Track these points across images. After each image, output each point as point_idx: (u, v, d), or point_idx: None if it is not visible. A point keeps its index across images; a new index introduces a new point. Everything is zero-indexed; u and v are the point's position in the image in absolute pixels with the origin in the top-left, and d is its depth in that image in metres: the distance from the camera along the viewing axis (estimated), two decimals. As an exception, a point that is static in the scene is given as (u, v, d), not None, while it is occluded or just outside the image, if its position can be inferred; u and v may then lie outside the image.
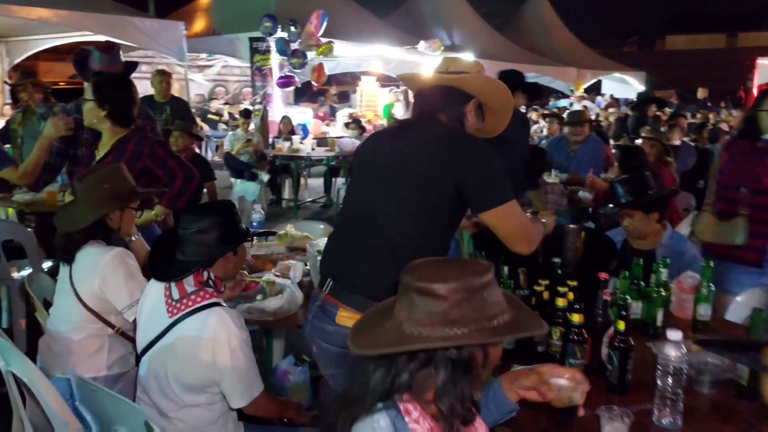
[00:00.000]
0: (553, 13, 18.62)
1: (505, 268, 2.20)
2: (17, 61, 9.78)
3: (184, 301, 1.91)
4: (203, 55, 13.73)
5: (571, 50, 17.83)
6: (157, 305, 1.95)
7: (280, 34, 9.35)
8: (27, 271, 3.78)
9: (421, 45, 11.72)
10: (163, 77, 6.06)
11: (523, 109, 5.97)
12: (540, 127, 11.57)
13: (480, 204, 1.82)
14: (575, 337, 1.85)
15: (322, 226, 3.77)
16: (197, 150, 6.27)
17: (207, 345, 1.84)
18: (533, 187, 4.46)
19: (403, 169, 1.81)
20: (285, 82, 9.92)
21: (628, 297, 2.11)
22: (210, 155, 12.07)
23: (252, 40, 9.63)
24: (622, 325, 1.78)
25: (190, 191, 2.95)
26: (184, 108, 6.37)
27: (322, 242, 3.11)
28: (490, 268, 1.19)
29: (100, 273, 2.14)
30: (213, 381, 1.87)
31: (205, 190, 5.67)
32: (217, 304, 1.91)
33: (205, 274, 1.97)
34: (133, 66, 3.72)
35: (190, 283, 1.94)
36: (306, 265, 2.86)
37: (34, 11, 6.94)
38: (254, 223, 3.53)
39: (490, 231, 1.89)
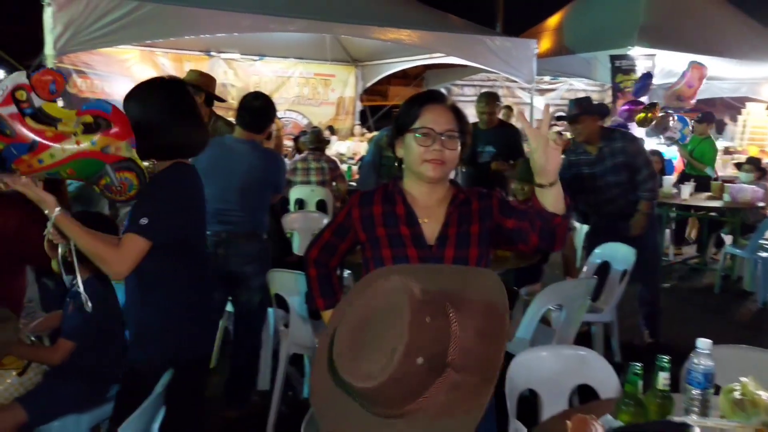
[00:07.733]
0: None
1: None
2: (369, 84, 10.23)
3: None
4: (546, 78, 12.67)
5: None
6: None
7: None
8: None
9: None
10: (488, 102, 5.02)
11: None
12: None
13: None
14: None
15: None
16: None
17: None
18: None
19: None
20: (629, 109, 8.00)
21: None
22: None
23: (614, 57, 8.14)
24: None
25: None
26: (514, 138, 5.17)
27: None
28: None
29: None
30: None
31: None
32: None
33: None
34: None
35: None
36: None
37: (388, 32, 6.72)
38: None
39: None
